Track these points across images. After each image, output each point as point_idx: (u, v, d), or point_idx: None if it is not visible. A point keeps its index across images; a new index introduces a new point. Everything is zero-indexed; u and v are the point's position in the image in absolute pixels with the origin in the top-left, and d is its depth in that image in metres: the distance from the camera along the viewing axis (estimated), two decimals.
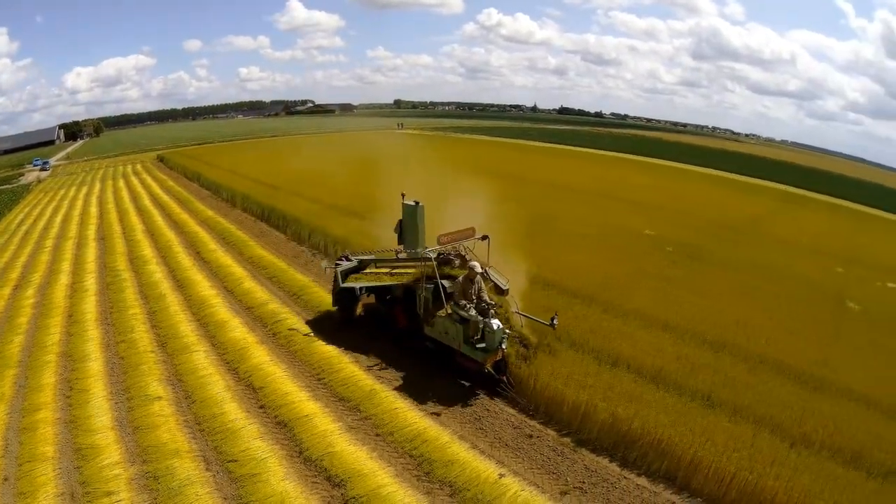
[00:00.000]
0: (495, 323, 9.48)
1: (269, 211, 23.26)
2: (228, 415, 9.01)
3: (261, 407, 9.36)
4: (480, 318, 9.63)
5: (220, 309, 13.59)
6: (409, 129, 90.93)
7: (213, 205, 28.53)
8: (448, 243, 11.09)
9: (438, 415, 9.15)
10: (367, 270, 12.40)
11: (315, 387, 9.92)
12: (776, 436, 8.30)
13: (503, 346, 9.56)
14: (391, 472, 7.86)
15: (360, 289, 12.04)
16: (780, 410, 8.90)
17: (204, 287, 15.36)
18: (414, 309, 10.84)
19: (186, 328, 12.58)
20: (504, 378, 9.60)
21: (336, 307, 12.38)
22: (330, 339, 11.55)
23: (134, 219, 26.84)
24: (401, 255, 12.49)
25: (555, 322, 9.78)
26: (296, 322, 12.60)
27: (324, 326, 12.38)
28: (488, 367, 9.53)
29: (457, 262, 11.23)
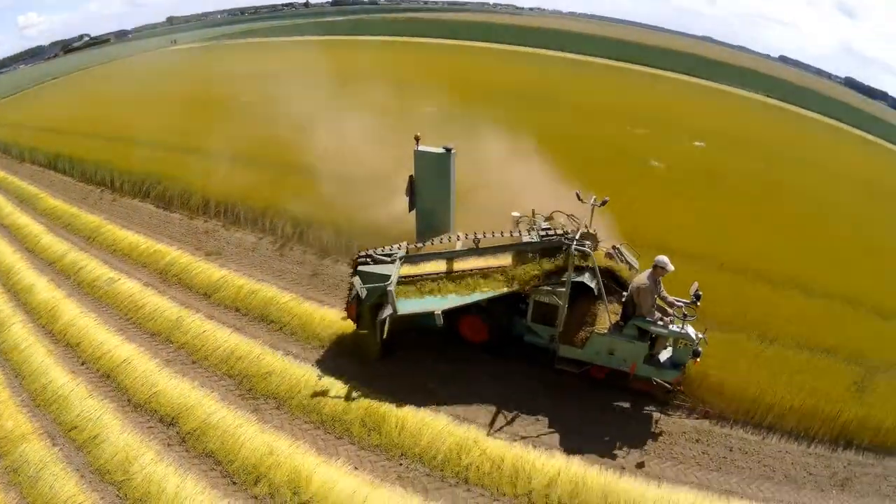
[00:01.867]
0: (691, 330, 8.15)
1: (55, 157, 23.00)
2: (56, 381, 10.08)
3: (83, 364, 10.38)
4: (677, 330, 8.12)
5: (26, 273, 13.69)
6: (182, 45, 78.14)
7: (2, 164, 26.58)
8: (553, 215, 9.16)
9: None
10: (403, 273, 9.17)
11: (126, 328, 10.78)
12: None
13: (699, 357, 8.05)
14: (216, 398, 9.41)
15: (439, 314, 8.70)
16: None
17: (7, 254, 15.10)
18: (502, 321, 9.34)
19: None
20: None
21: (362, 330, 9.54)
22: (130, 276, 11.84)
23: None
24: (457, 243, 9.43)
25: (699, 294, 8.16)
26: (95, 266, 12.90)
27: (121, 266, 12.72)
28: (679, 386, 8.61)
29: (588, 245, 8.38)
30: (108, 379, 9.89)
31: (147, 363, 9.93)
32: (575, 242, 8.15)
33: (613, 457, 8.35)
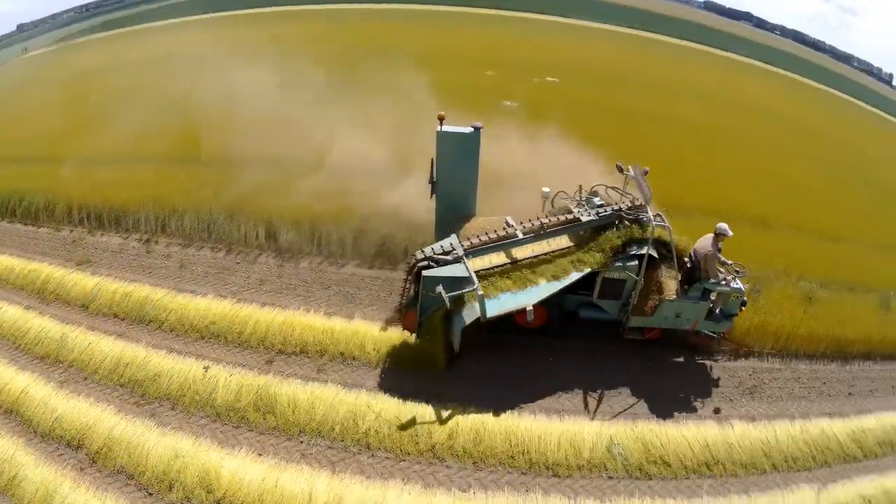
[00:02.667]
0: (738, 284, 9.01)
1: None
2: None
3: None
4: (736, 286, 9.02)
5: None
6: (35, 52, 63.62)
7: None
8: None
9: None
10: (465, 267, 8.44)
11: (16, 357, 10.53)
12: None
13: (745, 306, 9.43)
14: (113, 411, 9.35)
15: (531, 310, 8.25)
16: None
17: None
18: (560, 302, 9.25)
19: None
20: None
21: (419, 338, 8.92)
22: (11, 302, 11.39)
23: None
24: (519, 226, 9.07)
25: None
26: None
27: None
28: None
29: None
30: (11, 414, 9.81)
31: (43, 389, 9.79)
32: (643, 215, 8.78)
33: (694, 409, 9.33)
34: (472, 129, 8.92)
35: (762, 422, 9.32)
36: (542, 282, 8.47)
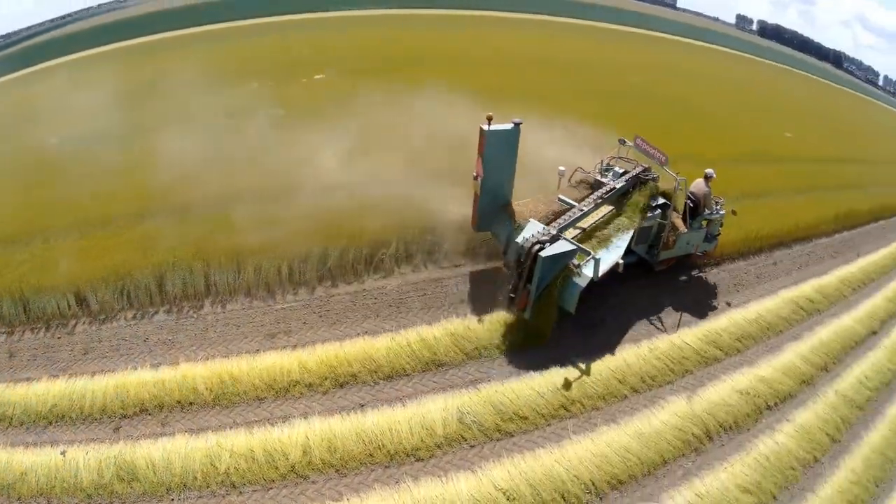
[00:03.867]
0: (722, 211, 12.12)
1: None
2: None
3: None
4: (722, 213, 12.16)
5: None
6: None
7: None
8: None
9: None
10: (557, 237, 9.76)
11: None
12: None
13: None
14: None
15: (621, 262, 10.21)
16: None
17: None
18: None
19: None
20: None
21: (527, 317, 9.84)
22: None
23: None
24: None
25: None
26: None
27: None
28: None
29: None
30: None
31: None
32: (653, 175, 11.73)
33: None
34: (513, 125, 10.01)
35: (606, 355, 9.87)
36: (614, 241, 10.23)
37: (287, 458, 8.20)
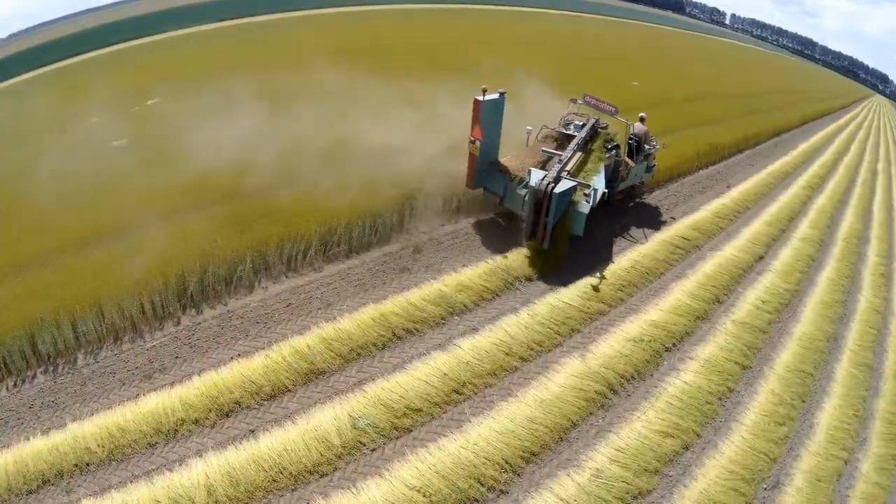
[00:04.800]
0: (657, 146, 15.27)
1: None
2: None
3: None
4: (657, 147, 15.33)
5: None
6: None
7: None
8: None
9: None
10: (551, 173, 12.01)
11: None
12: None
13: None
14: None
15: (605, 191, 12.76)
16: None
17: None
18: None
19: None
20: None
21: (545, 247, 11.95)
22: None
23: None
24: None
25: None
26: None
27: None
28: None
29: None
30: None
31: None
32: (604, 123, 14.69)
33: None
34: (499, 95, 12.24)
35: (480, 332, 10.18)
36: (595, 176, 12.50)
37: (194, 503, 8.16)
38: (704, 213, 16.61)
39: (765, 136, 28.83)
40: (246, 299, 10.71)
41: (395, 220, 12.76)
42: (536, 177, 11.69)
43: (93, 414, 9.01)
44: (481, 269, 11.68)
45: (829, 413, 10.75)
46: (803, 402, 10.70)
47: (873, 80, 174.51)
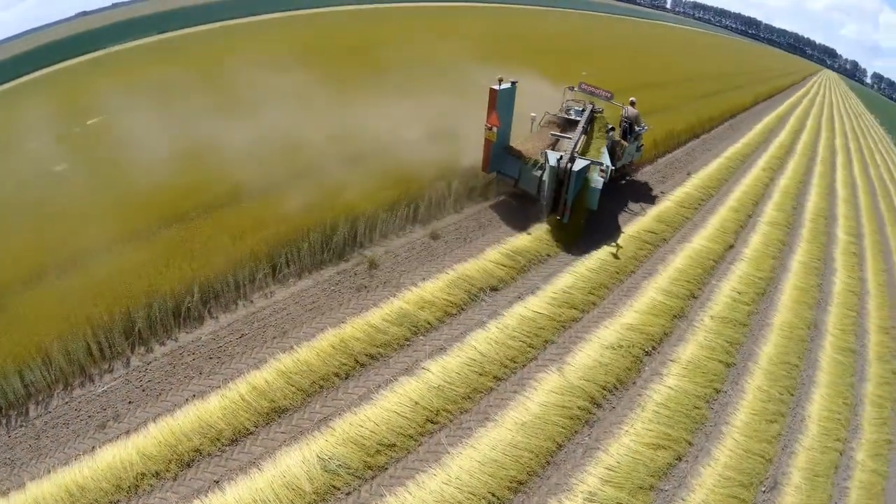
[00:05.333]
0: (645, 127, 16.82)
1: None
2: None
3: None
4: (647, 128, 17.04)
5: None
6: None
7: None
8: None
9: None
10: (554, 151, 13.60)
11: None
12: None
13: None
14: None
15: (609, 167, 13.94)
16: None
17: None
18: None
19: None
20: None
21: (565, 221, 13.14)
22: None
23: None
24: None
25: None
26: None
27: None
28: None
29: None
30: None
31: None
32: (599, 108, 16.18)
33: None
34: (511, 84, 13.40)
35: (448, 352, 9.81)
36: (601, 157, 13.62)
37: None
38: (668, 203, 16.62)
39: (719, 119, 29.40)
40: (197, 332, 10.06)
41: (347, 234, 12.21)
42: (554, 157, 12.72)
43: (50, 471, 8.32)
44: (442, 282, 11.21)
45: (818, 404, 10.73)
46: (791, 395, 10.65)
47: (821, 56, 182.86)
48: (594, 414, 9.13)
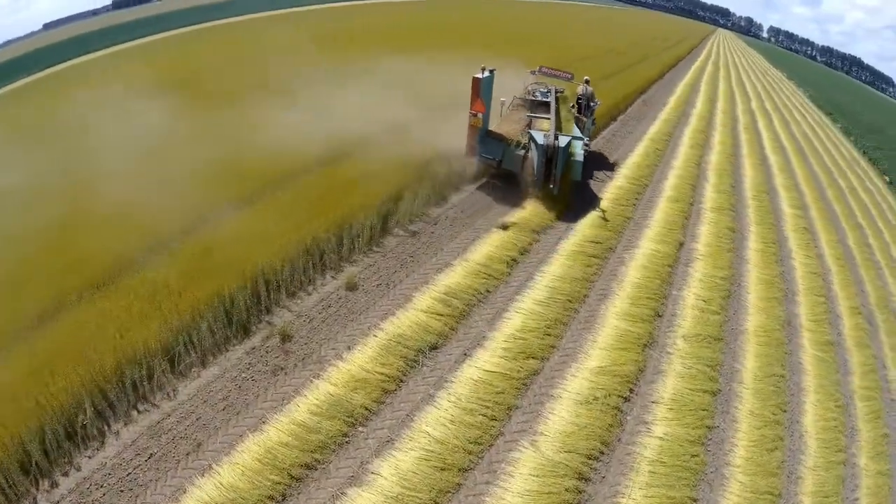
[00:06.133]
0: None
1: None
2: None
3: None
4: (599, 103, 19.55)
5: None
6: None
7: None
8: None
9: None
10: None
11: None
12: None
13: None
14: None
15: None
16: None
17: None
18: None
19: None
20: None
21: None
22: None
23: None
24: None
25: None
26: None
27: None
28: None
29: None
30: None
31: None
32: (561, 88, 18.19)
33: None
34: (489, 72, 14.84)
35: (398, 445, 8.63)
36: (574, 133, 15.45)
37: None
38: (605, 203, 15.94)
39: (632, 96, 29.64)
40: (100, 455, 8.00)
41: (249, 301, 10.46)
42: (541, 136, 14.08)
43: None
44: (371, 349, 9.65)
45: (812, 413, 10.38)
46: (784, 411, 10.13)
47: (713, 16, 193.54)
48: (584, 492, 8.00)
